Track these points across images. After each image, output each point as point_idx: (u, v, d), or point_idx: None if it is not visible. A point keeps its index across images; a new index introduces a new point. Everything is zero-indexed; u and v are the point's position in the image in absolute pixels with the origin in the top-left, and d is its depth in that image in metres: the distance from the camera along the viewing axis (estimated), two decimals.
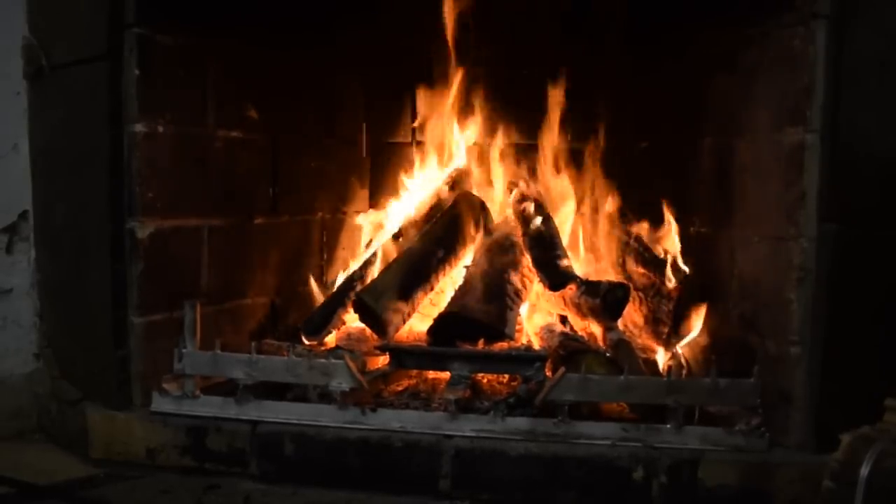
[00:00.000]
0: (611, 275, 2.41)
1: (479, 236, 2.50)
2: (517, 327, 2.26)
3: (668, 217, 2.32)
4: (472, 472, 1.79)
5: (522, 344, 2.21)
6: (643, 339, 2.28)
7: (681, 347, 2.17)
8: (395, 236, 2.55)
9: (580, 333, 2.26)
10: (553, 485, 1.76)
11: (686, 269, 2.23)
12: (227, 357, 1.91)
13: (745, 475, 1.72)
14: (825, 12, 1.69)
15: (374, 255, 2.50)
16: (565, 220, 2.56)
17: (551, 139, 2.62)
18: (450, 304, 2.26)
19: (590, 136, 2.62)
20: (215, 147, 2.13)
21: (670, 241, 2.31)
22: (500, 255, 2.37)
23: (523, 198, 2.53)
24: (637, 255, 2.35)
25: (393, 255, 2.44)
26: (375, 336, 2.22)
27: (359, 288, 2.33)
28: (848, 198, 1.71)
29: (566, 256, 2.32)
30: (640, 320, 2.29)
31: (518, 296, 2.29)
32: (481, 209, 2.53)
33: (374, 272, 2.40)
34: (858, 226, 1.71)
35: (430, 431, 1.82)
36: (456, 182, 2.65)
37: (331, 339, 2.30)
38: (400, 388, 2.05)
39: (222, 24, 2.06)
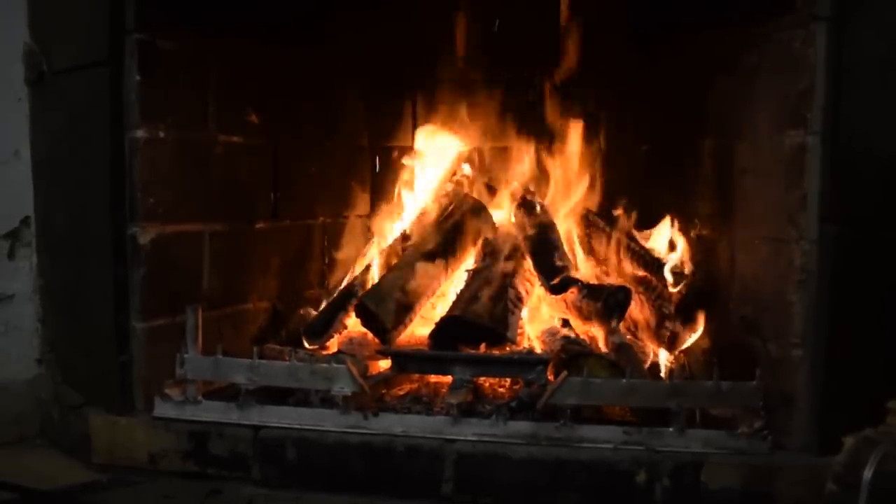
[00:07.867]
0: (612, 278, 2.40)
1: (481, 240, 2.50)
2: (519, 331, 2.25)
3: (669, 219, 2.31)
4: (474, 476, 1.78)
5: (524, 347, 2.20)
6: (645, 342, 2.27)
7: (682, 350, 2.17)
8: (397, 240, 2.55)
9: (582, 337, 2.26)
10: (555, 488, 1.76)
11: (687, 271, 2.23)
12: (229, 362, 1.91)
13: (748, 478, 1.72)
14: (825, 14, 1.69)
15: (376, 259, 2.50)
16: (567, 223, 2.55)
17: (552, 142, 2.62)
18: (451, 307, 2.25)
19: (591, 138, 2.62)
20: (216, 152, 2.13)
21: (671, 244, 2.30)
22: (501, 258, 2.37)
23: (525, 201, 2.53)
24: (638, 258, 2.35)
25: (395, 259, 2.44)
26: (377, 340, 2.22)
27: (361, 292, 2.33)
28: (849, 199, 1.71)
29: (567, 260, 2.32)
30: (641, 323, 2.28)
31: (519, 299, 2.28)
32: (483, 213, 2.53)
33: (376, 276, 2.41)
34: (860, 227, 1.70)
35: (433, 435, 1.82)
36: (457, 185, 2.65)
37: (333, 344, 2.30)
38: (402, 393, 2.05)
39: (222, 27, 2.07)
